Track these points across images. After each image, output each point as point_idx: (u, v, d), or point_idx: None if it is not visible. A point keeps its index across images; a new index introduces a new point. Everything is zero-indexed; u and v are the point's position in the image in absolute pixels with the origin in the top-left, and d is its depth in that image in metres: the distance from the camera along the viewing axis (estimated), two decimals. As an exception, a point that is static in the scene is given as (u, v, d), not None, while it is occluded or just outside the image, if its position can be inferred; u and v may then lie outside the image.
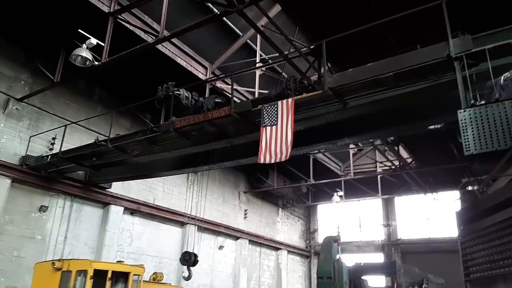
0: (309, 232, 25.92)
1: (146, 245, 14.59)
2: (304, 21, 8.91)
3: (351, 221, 24.12)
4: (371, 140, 16.83)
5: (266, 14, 6.94)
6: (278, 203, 23.29)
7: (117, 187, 13.68)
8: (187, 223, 16.10)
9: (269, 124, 6.82)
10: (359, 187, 20.38)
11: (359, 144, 18.96)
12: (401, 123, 7.68)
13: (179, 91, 8.41)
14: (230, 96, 8.59)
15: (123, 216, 13.74)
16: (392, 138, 14.63)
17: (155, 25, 10.82)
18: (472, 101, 5.43)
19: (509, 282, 4.45)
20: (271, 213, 22.73)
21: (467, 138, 5.09)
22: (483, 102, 5.41)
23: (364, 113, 7.52)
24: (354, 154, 20.62)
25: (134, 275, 9.89)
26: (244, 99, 12.27)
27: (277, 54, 7.29)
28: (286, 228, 23.81)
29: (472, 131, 5.09)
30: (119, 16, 8.85)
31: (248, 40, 13.22)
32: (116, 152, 10.42)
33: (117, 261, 10.99)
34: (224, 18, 11.87)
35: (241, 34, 13.05)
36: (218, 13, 7.01)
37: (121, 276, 9.76)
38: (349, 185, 20.45)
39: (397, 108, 7.33)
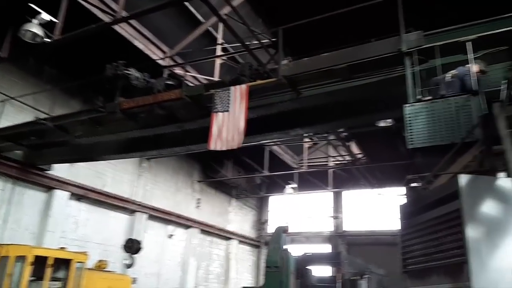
0: (260, 223, 26.13)
1: (92, 232, 14.06)
2: (267, 13, 8.87)
3: (302, 212, 24.50)
4: (325, 135, 17.16)
5: (229, 3, 6.82)
6: (231, 193, 23.26)
7: (64, 171, 13.04)
8: (137, 211, 15.76)
9: (221, 109, 6.70)
10: (312, 180, 20.74)
11: (314, 138, 19.28)
12: (353, 116, 7.81)
13: (129, 71, 8.12)
14: (183, 79, 8.40)
15: (69, 201, 13.16)
16: (345, 134, 14.96)
17: (113, 5, 10.39)
18: (419, 96, 5.62)
19: (441, 274, 4.65)
20: (224, 203, 22.68)
21: (411, 132, 5.27)
22: (429, 97, 5.62)
23: (318, 104, 7.60)
24: (308, 148, 20.99)
25: (77, 262, 9.64)
26: (203, 86, 12.08)
27: (239, 44, 7.17)
28: (238, 218, 23.85)
29: (417, 125, 5.27)
30: (75, -7, 8.42)
31: (210, 28, 13.00)
32: (58, 132, 9.91)
33: (60, 248, 10.57)
34: (186, 3, 11.61)
35: (203, 21, 12.81)
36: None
37: (63, 263, 9.50)
38: (302, 177, 20.77)
39: (350, 100, 7.45)
